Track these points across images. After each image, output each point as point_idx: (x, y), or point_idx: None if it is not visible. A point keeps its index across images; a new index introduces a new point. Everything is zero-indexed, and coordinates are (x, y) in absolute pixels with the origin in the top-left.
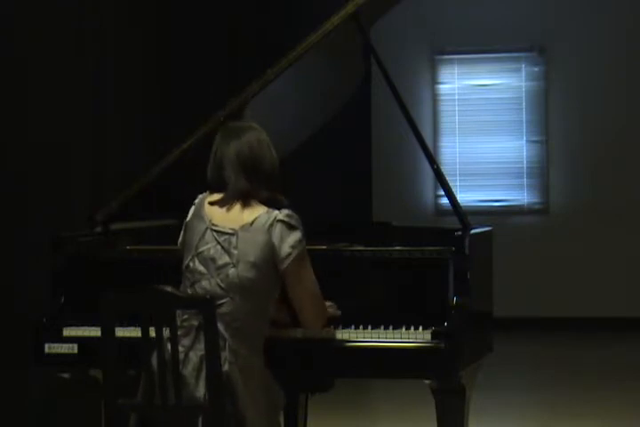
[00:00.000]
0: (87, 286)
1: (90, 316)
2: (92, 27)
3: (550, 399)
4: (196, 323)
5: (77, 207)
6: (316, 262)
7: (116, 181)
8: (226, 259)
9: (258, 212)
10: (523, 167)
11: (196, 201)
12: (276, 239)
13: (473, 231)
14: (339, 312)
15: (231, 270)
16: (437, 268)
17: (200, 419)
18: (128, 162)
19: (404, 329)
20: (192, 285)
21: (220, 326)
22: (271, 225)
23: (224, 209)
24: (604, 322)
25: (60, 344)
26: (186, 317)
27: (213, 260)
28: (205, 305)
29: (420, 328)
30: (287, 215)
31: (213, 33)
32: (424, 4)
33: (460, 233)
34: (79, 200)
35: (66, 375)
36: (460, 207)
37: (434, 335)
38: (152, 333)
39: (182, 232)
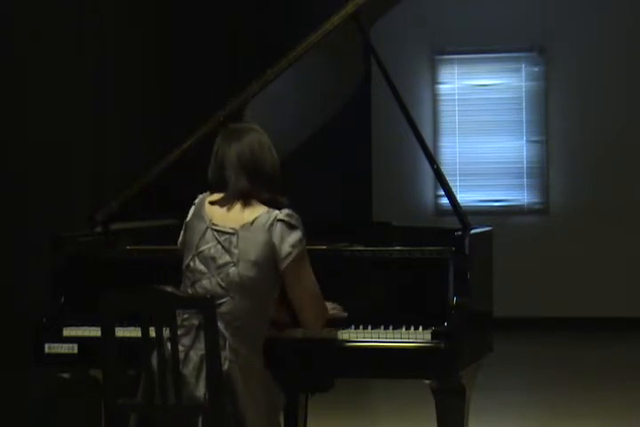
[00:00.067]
0: (87, 285)
1: (90, 316)
2: (92, 27)
3: (550, 399)
4: (196, 322)
5: (77, 207)
6: (316, 262)
7: (116, 181)
8: (226, 258)
9: (258, 211)
10: (523, 167)
11: (196, 201)
12: (276, 239)
13: (473, 231)
14: (344, 314)
15: (232, 269)
16: (437, 268)
17: (200, 419)
18: (128, 162)
19: (404, 329)
20: (192, 284)
21: (221, 325)
22: (271, 225)
23: (224, 209)
24: (604, 322)
25: (60, 344)
26: (186, 316)
27: (214, 259)
28: (206, 305)
29: (420, 328)
30: (287, 215)
31: (213, 33)
32: (424, 4)
33: (459, 233)
34: (79, 200)
35: (66, 375)
36: (460, 207)
37: (434, 335)
38: (152, 333)
39: (182, 232)
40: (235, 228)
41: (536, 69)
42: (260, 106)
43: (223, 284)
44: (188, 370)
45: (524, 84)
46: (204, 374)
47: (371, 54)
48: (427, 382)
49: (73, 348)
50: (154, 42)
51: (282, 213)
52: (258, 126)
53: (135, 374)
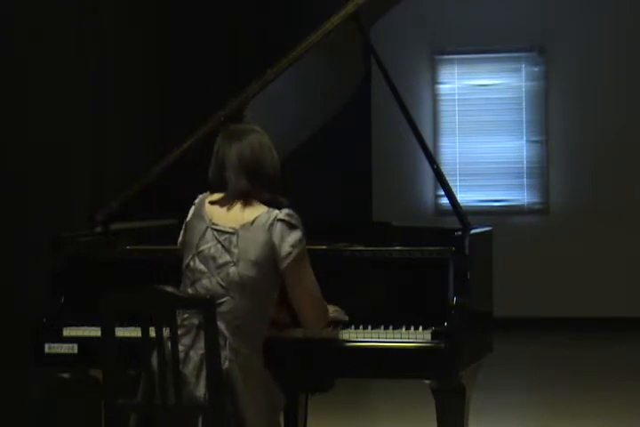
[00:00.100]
0: (87, 285)
1: (90, 316)
2: (92, 27)
3: (550, 399)
4: (196, 322)
5: (77, 207)
6: (316, 262)
7: (116, 181)
8: (226, 257)
9: (258, 211)
10: (523, 167)
11: (196, 201)
12: (276, 238)
13: (473, 231)
14: (346, 317)
15: (232, 269)
16: (437, 268)
17: (200, 419)
18: (128, 162)
19: (404, 329)
20: (192, 284)
21: (221, 325)
22: (271, 224)
23: (224, 208)
24: (604, 322)
25: (60, 344)
26: (186, 316)
27: (214, 258)
28: (205, 305)
29: (420, 328)
30: (287, 214)
31: (213, 33)
32: (424, 4)
33: (459, 233)
34: (79, 200)
35: (66, 375)
36: (460, 207)
37: (434, 335)
38: (152, 333)
39: (182, 232)
40: (235, 227)
41: (536, 69)
42: (259, 106)
43: (223, 283)
44: (189, 370)
45: (523, 84)
46: (204, 373)
47: (371, 54)
48: (427, 382)
49: (73, 348)
50: (154, 42)
51: (282, 213)
52: (258, 127)
53: (135, 374)
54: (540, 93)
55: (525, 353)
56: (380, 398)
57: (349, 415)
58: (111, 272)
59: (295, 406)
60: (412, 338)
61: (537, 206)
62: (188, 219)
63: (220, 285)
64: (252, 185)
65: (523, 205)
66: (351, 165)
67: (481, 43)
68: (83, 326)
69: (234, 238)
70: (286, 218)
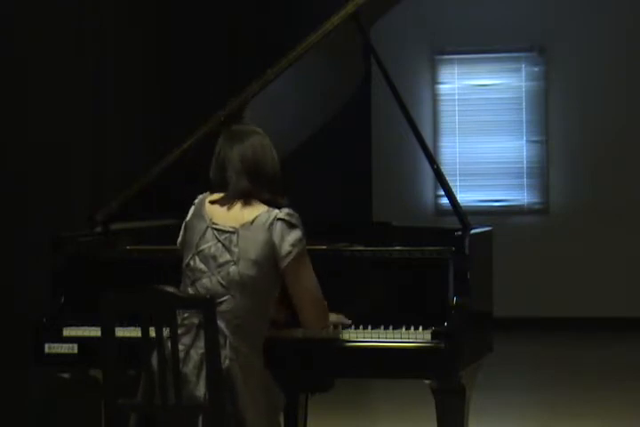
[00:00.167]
0: (87, 285)
1: (90, 316)
2: (92, 27)
3: (550, 399)
4: (196, 321)
5: (77, 207)
6: (316, 262)
7: (116, 181)
8: (227, 257)
9: (258, 210)
10: (523, 167)
11: (196, 201)
12: (276, 238)
13: (473, 231)
14: (348, 321)
15: (232, 268)
16: (437, 268)
17: (200, 419)
18: (128, 162)
19: (403, 329)
20: (193, 283)
21: (221, 324)
22: (271, 223)
23: (225, 208)
24: (604, 322)
25: (60, 344)
26: (186, 315)
27: (214, 258)
28: (205, 305)
29: (420, 328)
30: (287, 214)
31: (213, 33)
32: (424, 4)
33: (459, 233)
34: (79, 200)
35: (66, 375)
36: (460, 207)
37: (434, 335)
38: (152, 333)
39: (182, 232)
40: (235, 226)
41: (536, 69)
42: (260, 106)
43: (224, 282)
44: (189, 369)
45: (523, 84)
46: (204, 373)
47: (371, 54)
48: (427, 382)
49: (73, 348)
50: (154, 42)
51: (282, 212)
52: (260, 129)
53: (135, 374)
54: (540, 93)
55: (525, 353)
56: (380, 398)
57: (349, 415)
58: (111, 272)
59: (295, 406)
60: (412, 338)
61: (537, 206)
62: (187, 219)
63: (221, 284)
64: (253, 185)
65: (523, 205)
66: (351, 165)
67: (481, 43)
68: (83, 326)
69: (234, 238)
70: (286, 217)
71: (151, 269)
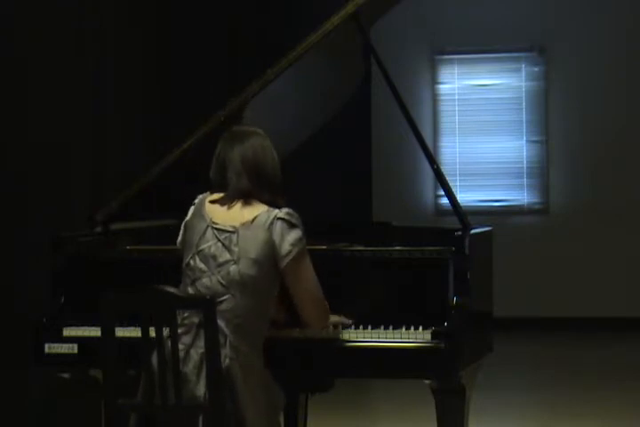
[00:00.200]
0: (87, 285)
1: (90, 316)
2: (92, 27)
3: (550, 399)
4: (196, 320)
5: (77, 207)
6: (316, 262)
7: (116, 181)
8: (227, 256)
9: (258, 210)
10: (523, 167)
11: (196, 201)
12: (276, 237)
13: (473, 231)
14: (349, 322)
15: (232, 267)
16: (437, 268)
17: (200, 418)
18: (128, 162)
19: (403, 329)
20: (193, 282)
21: (221, 323)
22: (271, 223)
23: (225, 207)
24: (604, 322)
25: (60, 344)
26: (186, 314)
27: (214, 257)
28: (206, 305)
29: (420, 328)
30: (287, 213)
31: (213, 33)
32: (424, 4)
33: (460, 233)
34: (79, 200)
35: (66, 375)
36: (460, 207)
37: (434, 335)
38: (152, 333)
39: (181, 231)
40: (235, 226)
41: (536, 69)
42: (259, 106)
43: (224, 282)
44: (189, 368)
45: (524, 84)
46: (204, 372)
47: (371, 54)
48: (427, 382)
49: (73, 348)
50: (154, 42)
51: (282, 212)
52: (260, 130)
53: (135, 374)
54: (540, 93)
55: (525, 353)
56: (380, 398)
57: (349, 415)
58: (111, 272)
59: (295, 406)
60: (412, 338)
61: (537, 206)
62: (187, 218)
63: (221, 283)
64: (253, 186)
65: (523, 205)
66: (351, 165)
67: (481, 43)
68: (83, 326)
69: (234, 237)
70: (286, 217)
71: (151, 269)
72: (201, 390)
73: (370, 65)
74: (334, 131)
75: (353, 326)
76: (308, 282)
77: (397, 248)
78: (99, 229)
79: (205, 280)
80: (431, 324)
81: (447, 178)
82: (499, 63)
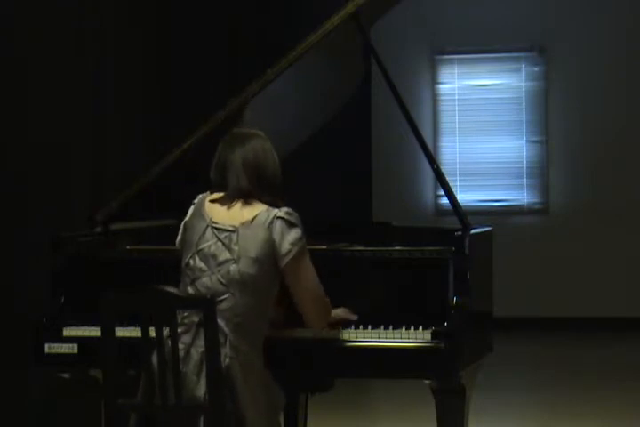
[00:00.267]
0: (87, 285)
1: (90, 316)
2: (92, 27)
3: (550, 399)
4: (196, 320)
5: (77, 207)
6: (316, 262)
7: (116, 181)
8: (227, 255)
9: (258, 209)
10: (523, 167)
11: (196, 201)
12: (276, 236)
13: (473, 231)
14: (354, 317)
15: (232, 266)
16: (437, 268)
17: (201, 418)
18: (128, 162)
19: (403, 329)
20: (192, 282)
21: (221, 322)
22: (271, 222)
23: (224, 207)
24: (604, 322)
25: (60, 344)
26: (186, 314)
27: (214, 256)
28: (206, 305)
29: (420, 328)
30: (287, 213)
31: (213, 33)
32: (424, 4)
33: (460, 233)
34: (79, 200)
35: (66, 375)
36: (460, 207)
37: (434, 335)
38: (152, 333)
39: (181, 231)
40: (235, 225)
41: (536, 69)
42: (259, 106)
43: (224, 281)
44: (189, 368)
45: (523, 84)
46: (204, 372)
47: (371, 54)
48: (427, 382)
49: (73, 348)
50: (154, 42)
51: (281, 211)
52: (261, 132)
53: (135, 374)
54: (540, 93)
55: (525, 353)
56: (380, 398)
57: (349, 415)
58: (111, 272)
59: (295, 406)
60: (412, 338)
61: (537, 206)
62: (187, 218)
63: (221, 282)
64: (254, 188)
65: (523, 205)
66: (351, 165)
67: (481, 43)
68: (83, 326)
69: (234, 236)
70: (286, 216)
71: (151, 269)
72: (201, 390)
73: (370, 65)
74: (334, 131)
75: (353, 326)
76: (307, 281)
77: (397, 248)
78: (99, 229)
79: (205, 279)
80: (431, 324)
81: (447, 178)
82: (499, 63)
